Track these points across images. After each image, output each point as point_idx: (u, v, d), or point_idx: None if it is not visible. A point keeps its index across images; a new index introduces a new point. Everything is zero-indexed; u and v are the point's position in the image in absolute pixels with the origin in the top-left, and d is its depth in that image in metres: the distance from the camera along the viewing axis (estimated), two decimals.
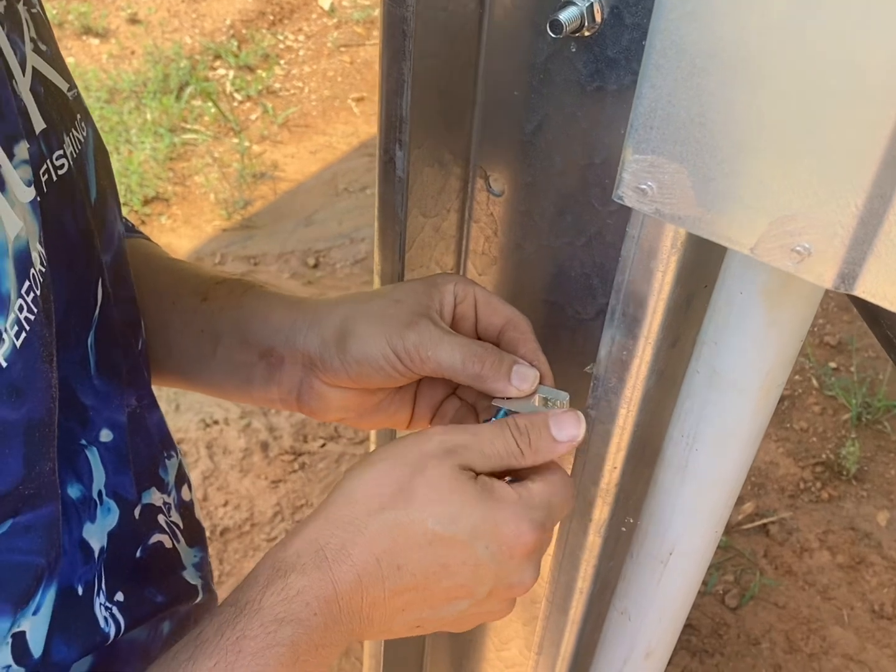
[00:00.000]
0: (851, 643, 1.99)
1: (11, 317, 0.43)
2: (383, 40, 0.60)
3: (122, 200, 2.92)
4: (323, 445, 2.36)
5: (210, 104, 3.41)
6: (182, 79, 3.49)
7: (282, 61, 3.71)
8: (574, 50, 0.62)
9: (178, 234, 2.96)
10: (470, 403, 0.67)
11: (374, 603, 0.52)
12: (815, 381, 2.54)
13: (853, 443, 2.36)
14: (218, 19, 3.85)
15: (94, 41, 3.68)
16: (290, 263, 2.87)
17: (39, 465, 0.46)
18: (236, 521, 2.18)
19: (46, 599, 0.50)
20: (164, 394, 2.40)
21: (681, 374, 0.62)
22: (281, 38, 3.82)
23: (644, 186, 0.41)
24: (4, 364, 0.43)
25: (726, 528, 2.25)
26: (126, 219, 0.74)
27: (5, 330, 0.43)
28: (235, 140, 3.30)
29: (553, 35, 0.58)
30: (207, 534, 2.34)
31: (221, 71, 3.62)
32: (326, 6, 3.96)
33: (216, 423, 2.39)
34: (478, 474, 0.55)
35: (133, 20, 3.79)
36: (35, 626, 0.49)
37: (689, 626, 2.02)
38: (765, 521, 2.22)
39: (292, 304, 0.66)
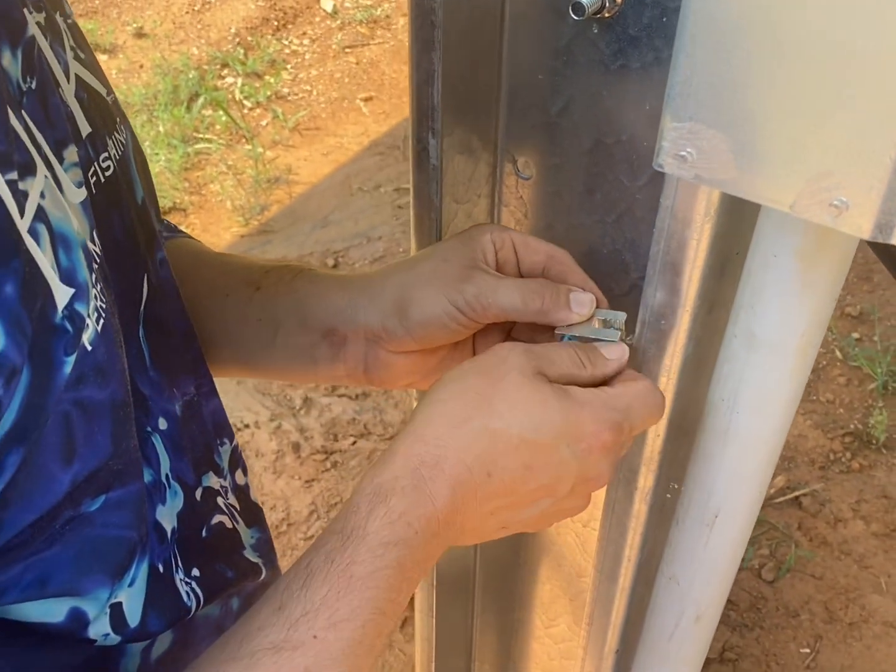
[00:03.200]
0: (891, 610, 2.00)
1: (92, 304, 0.45)
2: (412, 31, 0.62)
3: None
4: (354, 443, 2.38)
5: (221, 113, 3.43)
6: (191, 89, 3.52)
7: (288, 66, 3.74)
8: (596, 31, 0.63)
9: None
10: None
11: (466, 512, 0.54)
12: (838, 353, 2.54)
13: (881, 412, 2.36)
14: (223, 28, 3.88)
15: (103, 57, 3.71)
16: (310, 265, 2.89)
17: (125, 442, 0.49)
18: (273, 522, 2.21)
19: (140, 573, 0.52)
20: None
21: (717, 341, 0.63)
22: (286, 42, 3.85)
23: (684, 153, 0.43)
24: (90, 347, 0.45)
25: None
26: (167, 220, 0.76)
27: (88, 315, 0.45)
28: (248, 147, 3.33)
29: (575, 17, 0.59)
30: None
31: (230, 79, 3.65)
32: (329, 8, 3.99)
33: (247, 426, 2.41)
34: (550, 381, 0.57)
35: (139, 34, 3.83)
36: (131, 598, 0.52)
37: (727, 601, 2.03)
38: (797, 493, 2.22)
39: (345, 284, 0.69)
